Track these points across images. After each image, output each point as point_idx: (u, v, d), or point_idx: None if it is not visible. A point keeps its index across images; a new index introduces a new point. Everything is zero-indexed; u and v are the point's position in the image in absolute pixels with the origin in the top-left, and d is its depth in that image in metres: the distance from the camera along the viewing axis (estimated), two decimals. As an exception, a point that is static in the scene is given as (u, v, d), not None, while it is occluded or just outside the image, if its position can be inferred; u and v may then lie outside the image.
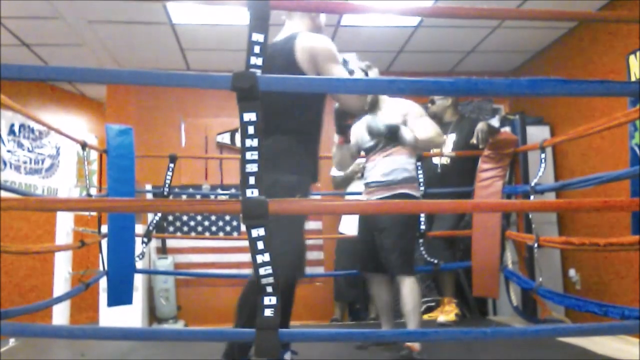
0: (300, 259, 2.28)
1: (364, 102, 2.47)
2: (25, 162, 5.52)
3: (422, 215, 3.61)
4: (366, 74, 2.64)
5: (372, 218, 2.86)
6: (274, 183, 2.15)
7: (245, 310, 2.11)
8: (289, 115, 2.23)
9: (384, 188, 2.82)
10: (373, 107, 2.89)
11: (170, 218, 5.33)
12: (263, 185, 1.51)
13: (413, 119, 2.84)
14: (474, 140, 3.61)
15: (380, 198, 2.80)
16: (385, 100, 2.94)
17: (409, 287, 2.74)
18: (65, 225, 3.88)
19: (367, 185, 2.96)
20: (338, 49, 2.27)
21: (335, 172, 4.57)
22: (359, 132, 2.94)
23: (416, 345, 2.67)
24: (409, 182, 2.83)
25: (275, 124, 2.21)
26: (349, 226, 4.35)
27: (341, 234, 4.51)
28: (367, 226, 2.92)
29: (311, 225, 5.40)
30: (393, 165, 2.82)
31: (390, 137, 2.71)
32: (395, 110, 2.87)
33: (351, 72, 2.36)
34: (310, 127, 2.29)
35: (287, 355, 2.37)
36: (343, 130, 2.69)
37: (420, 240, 3.60)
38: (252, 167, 1.51)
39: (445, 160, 3.95)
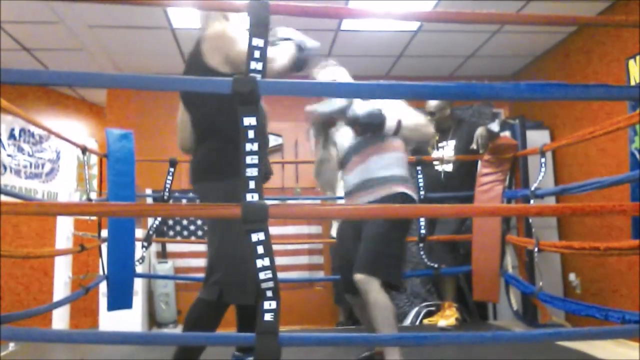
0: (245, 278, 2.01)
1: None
2: (25, 167, 5.52)
3: (422, 219, 3.61)
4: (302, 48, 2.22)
5: (356, 225, 2.48)
6: (211, 190, 2.13)
7: (188, 327, 2.09)
8: (219, 120, 2.17)
9: (369, 191, 2.46)
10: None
11: (171, 222, 5.32)
12: (262, 191, 1.51)
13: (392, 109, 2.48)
14: (473, 146, 3.61)
15: (370, 202, 2.43)
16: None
17: (369, 292, 2.24)
18: (65, 230, 3.88)
19: (349, 191, 2.57)
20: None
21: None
22: (339, 137, 2.64)
23: None
24: (394, 181, 2.46)
25: (209, 131, 2.23)
26: None
27: (333, 238, 4.46)
28: (349, 234, 2.53)
29: (312, 229, 5.41)
30: (379, 163, 2.48)
31: (369, 125, 2.38)
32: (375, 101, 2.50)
33: (274, 43, 2.15)
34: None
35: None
36: (322, 131, 2.51)
37: (421, 245, 3.62)
38: (252, 172, 1.51)
39: (448, 168, 3.94)
